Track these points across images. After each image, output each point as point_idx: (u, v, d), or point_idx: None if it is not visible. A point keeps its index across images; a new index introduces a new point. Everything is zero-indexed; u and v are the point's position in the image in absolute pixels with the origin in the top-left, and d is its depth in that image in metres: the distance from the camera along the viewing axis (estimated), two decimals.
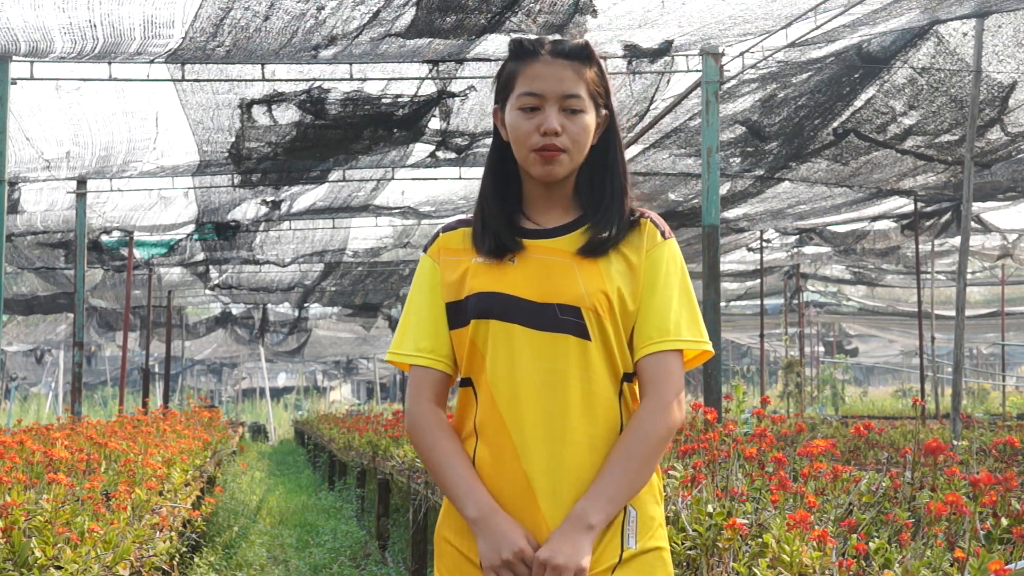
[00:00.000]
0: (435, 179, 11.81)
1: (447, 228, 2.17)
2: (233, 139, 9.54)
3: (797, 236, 15.87)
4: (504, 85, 2.10)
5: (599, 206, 2.08)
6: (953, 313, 10.27)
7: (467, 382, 2.07)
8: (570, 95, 2.02)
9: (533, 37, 2.09)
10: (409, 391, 2.11)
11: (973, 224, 13.35)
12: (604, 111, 2.10)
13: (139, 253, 15.57)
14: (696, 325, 2.07)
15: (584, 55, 2.05)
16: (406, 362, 2.11)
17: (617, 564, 1.96)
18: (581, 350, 2.00)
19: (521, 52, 2.07)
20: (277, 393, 40.94)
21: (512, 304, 2.02)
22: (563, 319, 2.00)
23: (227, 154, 9.99)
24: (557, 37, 2.09)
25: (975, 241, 15.29)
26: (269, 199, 12.54)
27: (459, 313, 2.07)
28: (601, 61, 2.10)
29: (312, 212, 13.48)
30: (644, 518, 2.01)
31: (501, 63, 2.14)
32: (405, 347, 2.11)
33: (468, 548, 2.01)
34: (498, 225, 2.08)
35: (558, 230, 2.08)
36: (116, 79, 7.77)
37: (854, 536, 2.83)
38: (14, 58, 7.38)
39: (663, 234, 2.09)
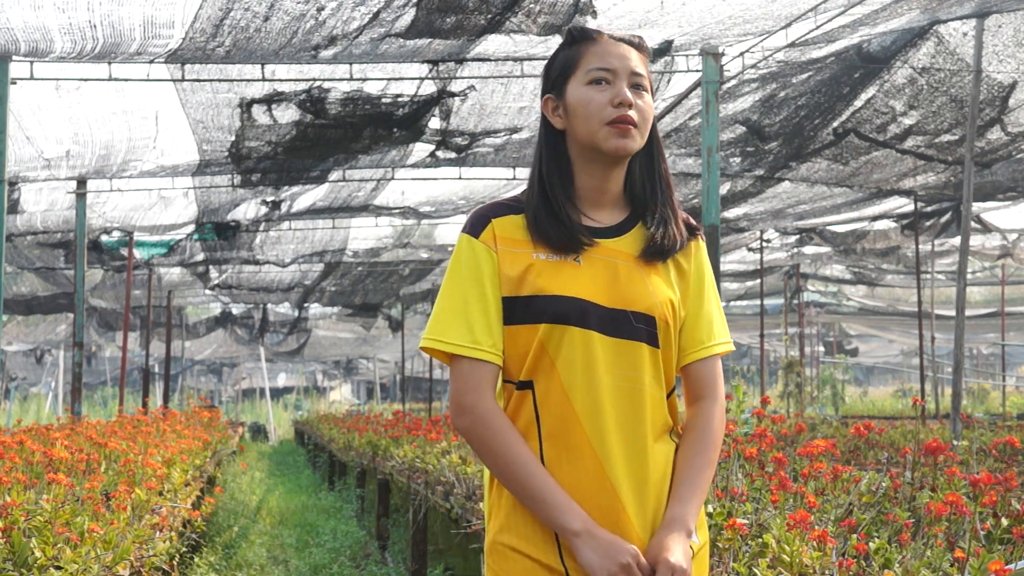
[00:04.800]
0: (435, 179, 11.82)
1: (496, 213, 2.05)
2: (233, 138, 9.54)
3: (797, 236, 15.87)
4: (562, 70, 2.07)
5: (654, 205, 2.07)
6: (953, 313, 10.27)
7: (526, 385, 1.99)
8: (638, 72, 2.03)
9: (589, 26, 2.10)
10: (466, 386, 1.97)
11: (973, 224, 13.35)
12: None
13: (139, 253, 15.56)
14: (724, 324, 2.13)
15: (641, 45, 2.08)
16: (457, 352, 1.98)
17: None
18: (653, 358, 2.00)
19: (582, 37, 2.07)
20: (277, 393, 40.94)
21: (588, 310, 1.98)
22: (637, 327, 1.99)
23: (227, 153, 9.99)
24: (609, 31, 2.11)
25: (975, 241, 15.29)
26: (269, 199, 12.55)
27: (517, 310, 1.99)
28: None
29: (312, 212, 13.49)
30: (700, 514, 2.05)
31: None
32: (453, 336, 1.98)
33: (542, 555, 1.96)
34: (569, 218, 2.02)
35: (615, 229, 2.06)
36: (116, 79, 7.78)
37: (854, 536, 2.83)
38: (14, 58, 7.39)
39: (700, 235, 2.14)
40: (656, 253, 2.03)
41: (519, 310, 1.99)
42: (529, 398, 1.99)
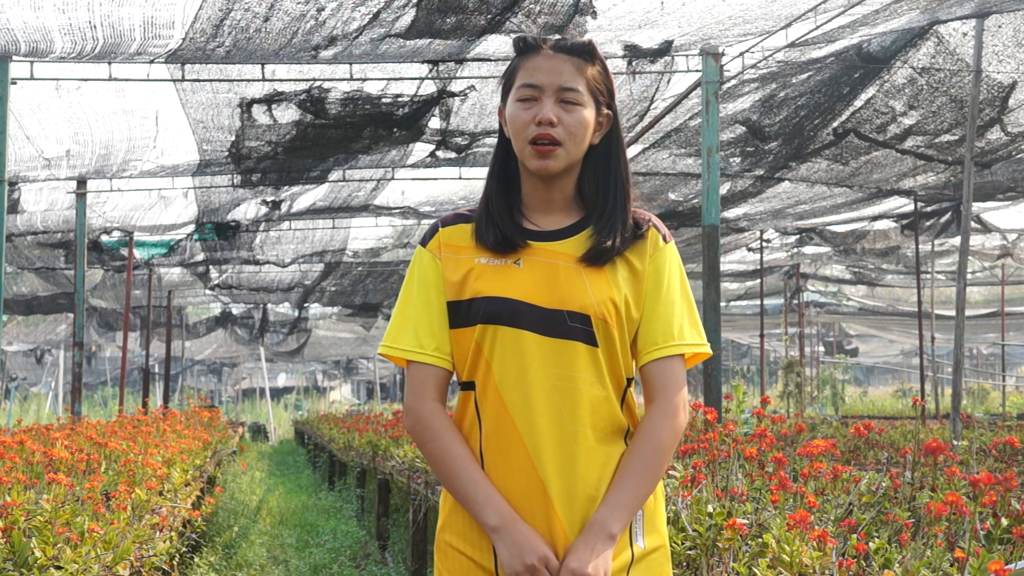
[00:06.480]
0: (435, 179, 11.81)
1: (446, 222, 2.14)
2: (233, 138, 9.53)
3: (797, 236, 15.87)
4: (507, 81, 2.11)
5: (603, 210, 2.08)
6: (953, 313, 10.27)
7: (469, 385, 2.06)
8: (568, 88, 2.03)
9: (538, 35, 2.10)
10: (411, 388, 2.08)
11: (973, 224, 13.35)
12: (607, 111, 2.10)
13: (139, 253, 15.57)
14: (696, 328, 2.10)
15: (586, 52, 2.06)
16: (405, 358, 2.08)
17: (631, 564, 2.00)
18: (590, 357, 2.01)
19: (524, 48, 2.08)
20: (277, 393, 40.93)
21: (521, 310, 2.01)
22: (572, 326, 2.01)
23: (227, 153, 9.99)
24: (560, 36, 2.10)
25: (975, 241, 15.29)
26: (269, 199, 12.54)
27: (460, 313, 2.06)
28: (605, 62, 2.10)
29: (312, 212, 13.48)
30: (649, 517, 2.05)
31: (508, 62, 2.16)
32: (403, 342, 2.08)
33: (477, 553, 2.02)
34: (504, 222, 2.07)
35: (561, 232, 2.08)
36: (116, 79, 7.78)
37: (854, 536, 2.83)
38: (14, 58, 7.38)
39: (664, 238, 2.12)
40: (594, 257, 2.04)
41: (461, 313, 2.06)
42: (471, 397, 2.06)
